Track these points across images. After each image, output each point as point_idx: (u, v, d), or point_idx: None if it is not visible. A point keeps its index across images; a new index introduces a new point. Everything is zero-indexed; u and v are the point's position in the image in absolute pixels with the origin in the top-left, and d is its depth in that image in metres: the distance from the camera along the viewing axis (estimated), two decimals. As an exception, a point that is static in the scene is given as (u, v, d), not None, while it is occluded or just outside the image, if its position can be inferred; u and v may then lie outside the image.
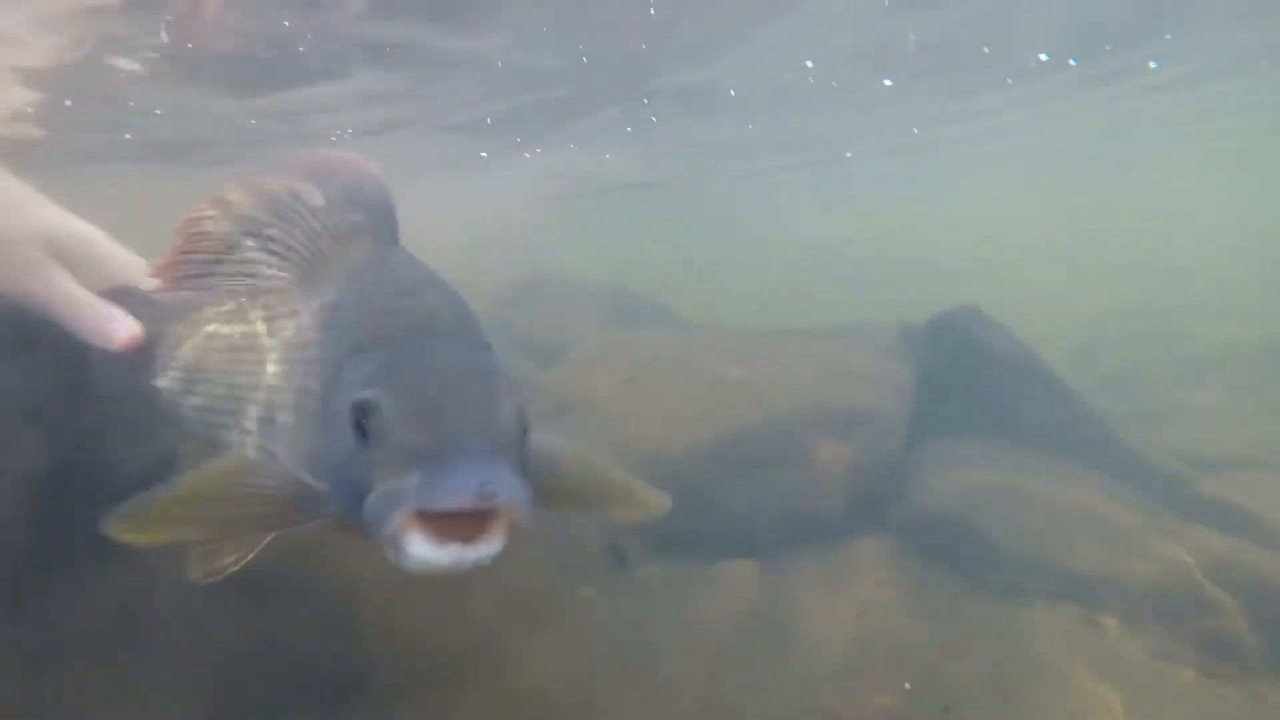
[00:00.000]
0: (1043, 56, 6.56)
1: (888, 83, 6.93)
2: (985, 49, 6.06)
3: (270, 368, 1.22)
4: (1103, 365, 6.20)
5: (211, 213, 1.34)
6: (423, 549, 0.80)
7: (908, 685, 2.49)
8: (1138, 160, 18.00)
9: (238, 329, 1.32)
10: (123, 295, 1.53)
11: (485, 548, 0.81)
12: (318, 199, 1.27)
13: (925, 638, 2.69)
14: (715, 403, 3.23)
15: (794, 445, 3.10)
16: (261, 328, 1.28)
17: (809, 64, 6.03)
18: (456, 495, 0.78)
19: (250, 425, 1.21)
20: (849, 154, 11.94)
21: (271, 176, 1.30)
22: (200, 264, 1.36)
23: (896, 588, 2.91)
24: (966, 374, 3.59)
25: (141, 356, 1.46)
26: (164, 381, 1.43)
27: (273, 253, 1.31)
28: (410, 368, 0.93)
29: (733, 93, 6.78)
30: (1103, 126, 11.35)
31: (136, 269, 1.59)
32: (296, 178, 1.28)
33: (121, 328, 1.45)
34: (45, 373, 1.59)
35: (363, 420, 0.89)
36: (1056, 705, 2.30)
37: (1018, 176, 20.06)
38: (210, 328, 1.39)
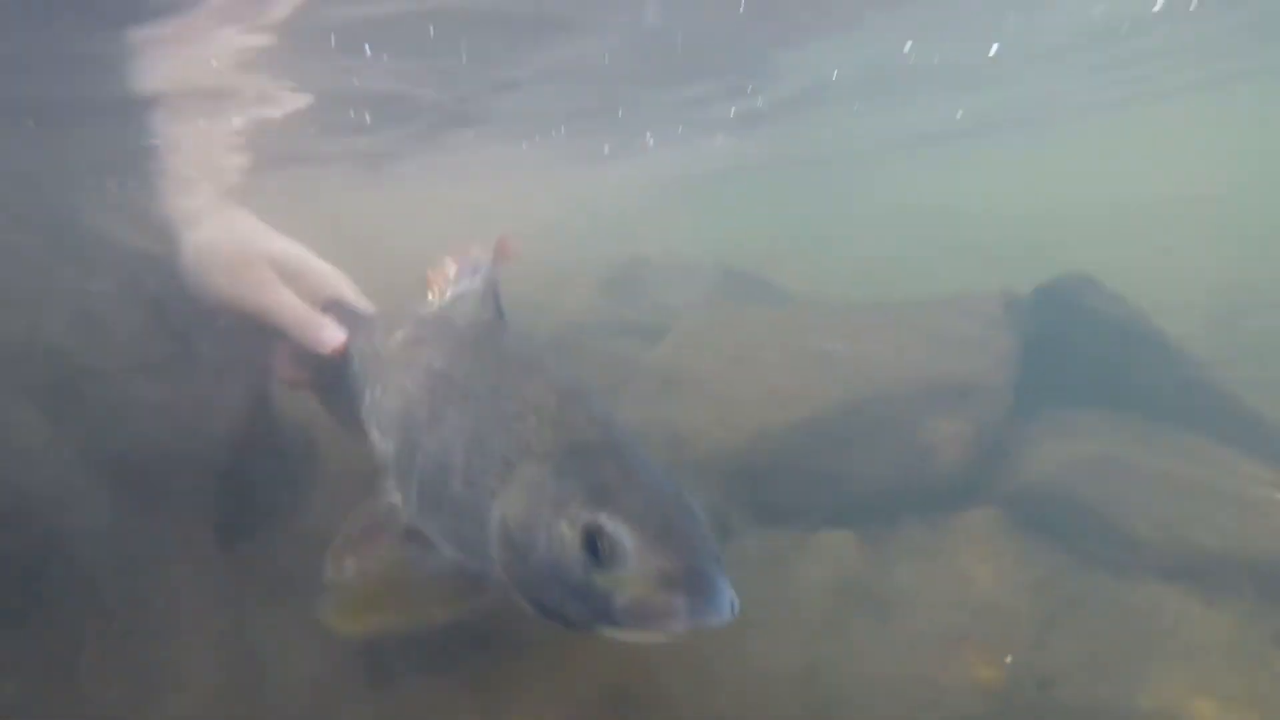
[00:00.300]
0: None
1: (994, 49, 6.64)
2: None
3: (432, 417, 1.45)
4: (1245, 333, 5.82)
5: (464, 254, 1.69)
6: (684, 629, 1.06)
7: (1009, 658, 2.50)
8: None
9: (416, 362, 1.59)
10: (331, 307, 1.90)
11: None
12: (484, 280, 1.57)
13: (1028, 611, 2.68)
14: (817, 377, 3.28)
15: (895, 417, 3.12)
16: (431, 372, 1.54)
17: (907, 46, 5.93)
18: (722, 613, 1.05)
19: (423, 468, 1.44)
20: (959, 114, 11.47)
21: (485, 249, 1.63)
22: (449, 288, 1.71)
23: (1000, 560, 2.90)
24: (1077, 343, 3.48)
25: (341, 358, 1.80)
26: (356, 382, 1.76)
27: (464, 309, 1.62)
28: (629, 495, 1.12)
29: (835, 75, 6.72)
30: (1235, 78, 10.48)
31: (340, 283, 1.97)
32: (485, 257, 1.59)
33: (330, 337, 1.83)
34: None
35: (595, 539, 1.07)
36: (1166, 687, 2.26)
37: (1154, 137, 18.67)
38: (396, 351, 1.68)
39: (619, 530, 1.06)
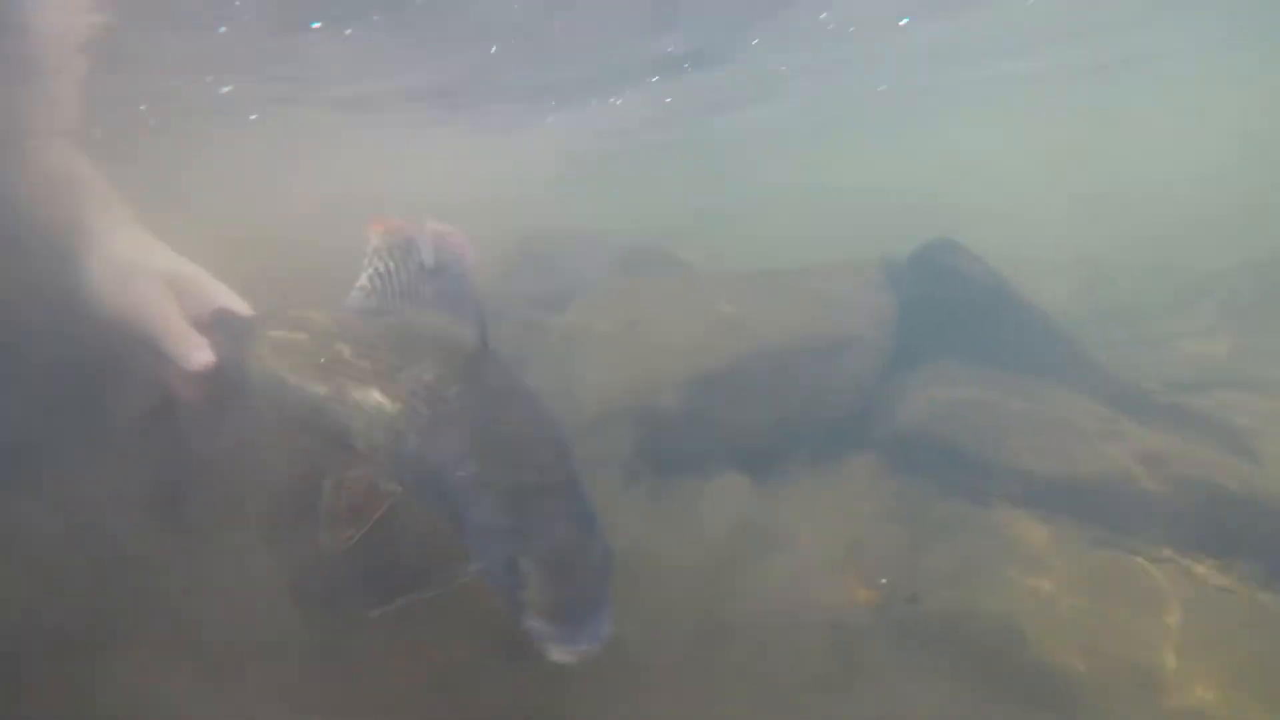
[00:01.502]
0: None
1: (903, 22, 7.05)
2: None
3: (379, 410, 1.70)
4: (1103, 298, 6.38)
5: (390, 229, 1.85)
6: (560, 657, 1.35)
7: (884, 580, 2.81)
8: (1132, 92, 17.83)
9: (337, 355, 1.80)
10: (218, 317, 2.05)
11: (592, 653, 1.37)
12: (431, 261, 1.79)
13: (901, 540, 3.00)
14: (710, 336, 3.50)
15: (782, 371, 3.38)
16: (361, 366, 1.76)
17: (823, 15, 6.28)
18: (589, 646, 1.35)
19: (371, 443, 1.71)
20: (882, 87, 11.96)
21: (406, 223, 1.76)
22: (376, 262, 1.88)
23: (877, 497, 3.21)
24: (946, 302, 3.82)
25: (226, 367, 1.97)
26: (258, 381, 1.89)
27: (382, 289, 1.84)
28: (542, 540, 1.43)
29: (755, 42, 7.00)
30: (1098, 61, 11.35)
31: (228, 297, 2.08)
32: (422, 235, 1.78)
33: (199, 357, 1.96)
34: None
35: (513, 570, 1.40)
36: (1010, 589, 2.61)
37: (1026, 117, 19.83)
38: (303, 348, 1.85)
39: (528, 568, 1.39)
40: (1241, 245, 6.32)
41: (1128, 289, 6.43)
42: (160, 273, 2.04)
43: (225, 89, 5.32)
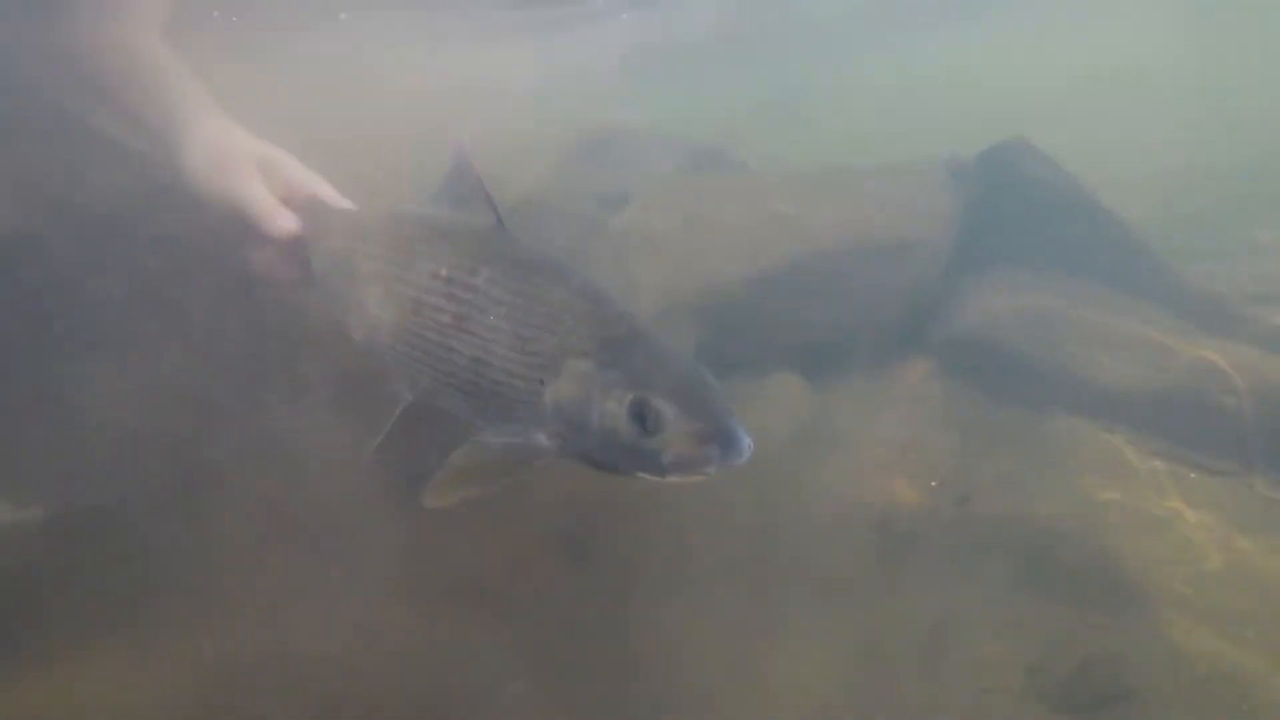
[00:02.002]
0: None
1: None
2: None
3: (460, 320, 1.60)
4: (1188, 206, 6.03)
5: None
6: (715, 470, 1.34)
7: (934, 483, 2.82)
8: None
9: (419, 264, 1.71)
10: (305, 201, 2.09)
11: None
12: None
13: (954, 444, 2.99)
14: (768, 236, 3.45)
15: (842, 272, 3.33)
16: (446, 275, 1.65)
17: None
18: (744, 455, 1.34)
19: (450, 363, 1.63)
20: None
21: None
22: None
23: (932, 401, 3.19)
24: (1015, 205, 3.68)
25: (309, 243, 2.00)
26: (323, 270, 1.95)
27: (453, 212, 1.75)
28: (662, 376, 1.40)
29: None
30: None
31: (316, 182, 2.12)
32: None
33: (286, 226, 2.01)
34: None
35: (642, 413, 1.36)
36: (1062, 497, 2.60)
37: (1123, 19, 18.43)
38: (387, 255, 1.80)
39: (659, 404, 1.35)
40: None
41: (1216, 195, 6.07)
42: (249, 154, 2.11)
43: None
